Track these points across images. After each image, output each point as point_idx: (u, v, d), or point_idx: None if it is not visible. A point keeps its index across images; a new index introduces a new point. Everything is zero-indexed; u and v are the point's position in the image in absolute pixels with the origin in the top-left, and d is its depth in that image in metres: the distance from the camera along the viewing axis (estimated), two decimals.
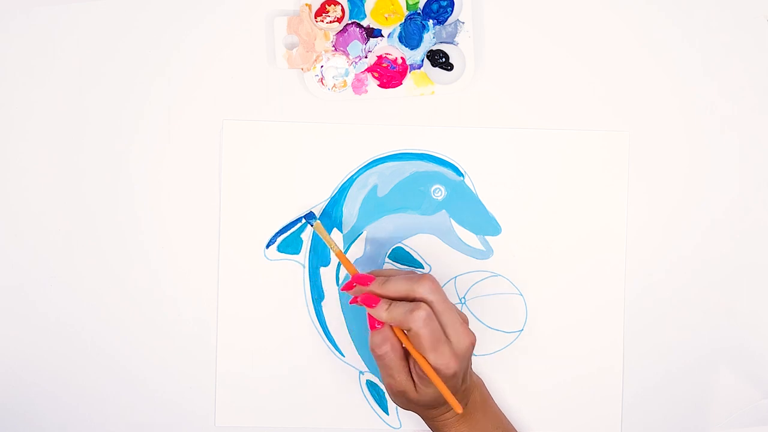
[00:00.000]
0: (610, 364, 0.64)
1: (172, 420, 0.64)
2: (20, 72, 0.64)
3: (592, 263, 0.64)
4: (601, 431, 0.64)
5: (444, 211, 0.64)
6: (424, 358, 0.54)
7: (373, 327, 0.56)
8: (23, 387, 0.64)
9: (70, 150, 0.64)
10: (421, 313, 0.53)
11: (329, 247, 0.60)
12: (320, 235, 0.59)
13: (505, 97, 0.64)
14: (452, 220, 0.64)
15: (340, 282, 0.64)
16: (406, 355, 0.56)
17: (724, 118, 0.64)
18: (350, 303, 0.58)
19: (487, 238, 0.64)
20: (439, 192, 0.64)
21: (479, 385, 0.61)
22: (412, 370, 0.56)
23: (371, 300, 0.56)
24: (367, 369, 0.64)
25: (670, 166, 0.64)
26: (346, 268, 0.59)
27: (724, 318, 0.64)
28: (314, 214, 0.63)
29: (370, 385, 0.64)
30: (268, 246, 0.64)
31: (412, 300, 0.55)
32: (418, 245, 0.64)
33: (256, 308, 0.64)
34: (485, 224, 0.64)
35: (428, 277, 0.55)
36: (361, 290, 0.57)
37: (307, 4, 0.62)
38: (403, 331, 0.55)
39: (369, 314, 0.56)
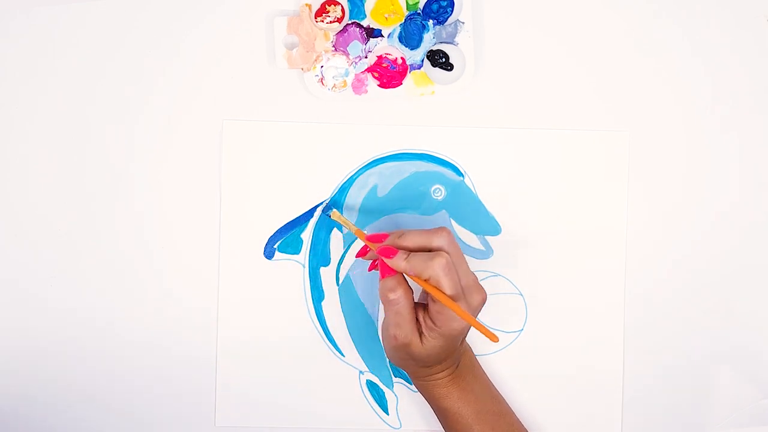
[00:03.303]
0: (610, 363, 0.64)
1: (172, 420, 0.64)
2: (20, 72, 0.64)
3: (592, 263, 0.64)
4: (601, 431, 0.64)
5: (444, 211, 0.64)
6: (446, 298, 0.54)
7: (384, 275, 0.56)
8: (23, 386, 0.64)
9: (71, 150, 0.64)
10: (441, 261, 0.53)
11: (350, 230, 0.60)
12: (340, 222, 0.60)
13: (505, 97, 0.64)
14: (452, 220, 0.64)
15: (341, 282, 0.64)
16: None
17: (724, 118, 0.64)
18: (369, 270, 0.58)
19: (487, 238, 0.64)
20: (439, 192, 0.64)
21: (468, 349, 0.61)
22: (421, 321, 0.56)
23: (389, 251, 0.55)
24: (367, 369, 0.64)
25: (670, 166, 0.64)
26: (365, 241, 0.58)
27: (724, 318, 0.64)
28: (329, 204, 0.63)
29: (370, 385, 0.64)
30: (268, 246, 0.64)
31: (429, 251, 0.55)
32: None
33: (256, 308, 0.64)
34: (485, 224, 0.64)
35: (444, 229, 0.55)
36: (376, 250, 0.57)
37: (307, 4, 0.62)
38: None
39: (382, 264, 0.56)
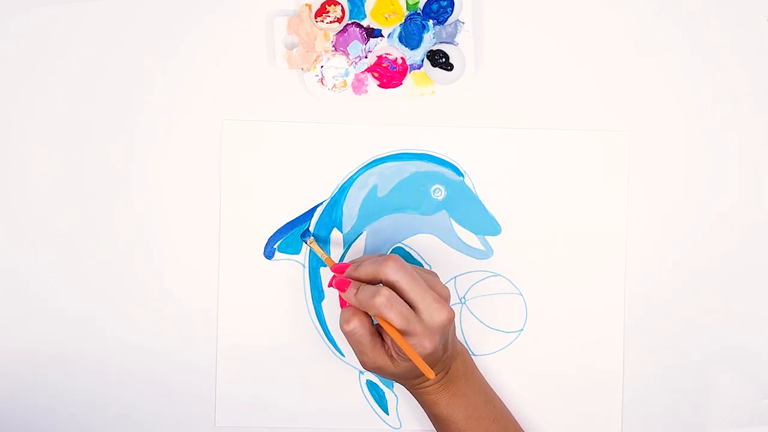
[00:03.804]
0: (610, 364, 0.64)
1: (172, 420, 0.64)
2: (20, 72, 0.64)
3: (592, 263, 0.64)
4: (601, 431, 0.64)
5: (444, 211, 0.64)
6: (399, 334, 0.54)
7: (343, 306, 0.56)
8: (23, 386, 0.64)
9: (71, 150, 0.64)
10: (381, 299, 0.53)
11: (322, 258, 0.61)
12: (314, 250, 0.62)
13: (505, 97, 0.64)
14: (452, 220, 0.64)
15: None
16: (380, 332, 0.56)
17: (724, 118, 0.64)
18: (342, 306, 0.58)
19: (487, 238, 0.64)
20: (439, 192, 0.64)
21: (462, 352, 0.60)
22: (389, 344, 0.56)
23: (343, 284, 0.56)
24: None
25: (670, 166, 0.64)
26: (332, 271, 0.59)
27: (724, 318, 0.64)
28: (308, 230, 0.64)
29: (370, 385, 0.64)
30: (268, 246, 0.64)
31: (379, 282, 0.55)
32: (418, 245, 0.64)
33: (256, 308, 0.64)
34: (485, 224, 0.64)
35: (392, 257, 0.55)
36: (333, 282, 0.57)
37: (307, 4, 0.62)
38: None
39: (340, 296, 0.56)
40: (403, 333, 0.54)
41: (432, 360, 0.55)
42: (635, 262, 0.64)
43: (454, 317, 0.55)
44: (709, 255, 0.64)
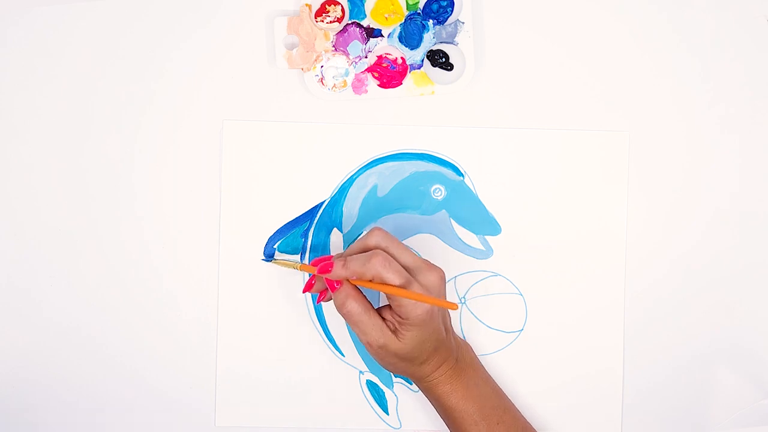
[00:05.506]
0: (610, 364, 0.64)
1: (172, 420, 0.64)
2: (21, 72, 0.64)
3: (592, 263, 0.64)
4: (601, 431, 0.64)
5: (444, 211, 0.64)
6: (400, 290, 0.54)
7: (333, 290, 0.56)
8: (24, 387, 0.64)
9: (71, 150, 0.64)
10: (377, 258, 0.54)
11: (293, 267, 0.61)
12: (280, 264, 0.62)
13: (505, 97, 0.64)
14: (452, 220, 0.64)
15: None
16: (376, 309, 0.56)
17: (724, 118, 0.64)
18: (317, 302, 0.59)
19: (487, 238, 0.64)
20: (439, 192, 0.64)
21: (466, 345, 0.62)
22: (388, 319, 0.56)
23: (327, 266, 0.55)
24: (367, 369, 0.64)
25: (670, 166, 0.64)
26: (303, 269, 0.60)
27: (724, 318, 0.64)
28: (270, 254, 0.64)
29: (370, 385, 0.64)
30: (267, 246, 0.64)
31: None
32: (418, 245, 0.64)
33: (256, 308, 0.64)
34: (485, 224, 0.64)
35: (376, 228, 0.56)
36: (321, 282, 0.57)
37: (307, 4, 0.62)
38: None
39: (328, 283, 0.56)
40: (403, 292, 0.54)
41: (434, 329, 0.55)
42: (635, 262, 0.64)
43: (445, 276, 0.56)
44: (709, 255, 0.64)
